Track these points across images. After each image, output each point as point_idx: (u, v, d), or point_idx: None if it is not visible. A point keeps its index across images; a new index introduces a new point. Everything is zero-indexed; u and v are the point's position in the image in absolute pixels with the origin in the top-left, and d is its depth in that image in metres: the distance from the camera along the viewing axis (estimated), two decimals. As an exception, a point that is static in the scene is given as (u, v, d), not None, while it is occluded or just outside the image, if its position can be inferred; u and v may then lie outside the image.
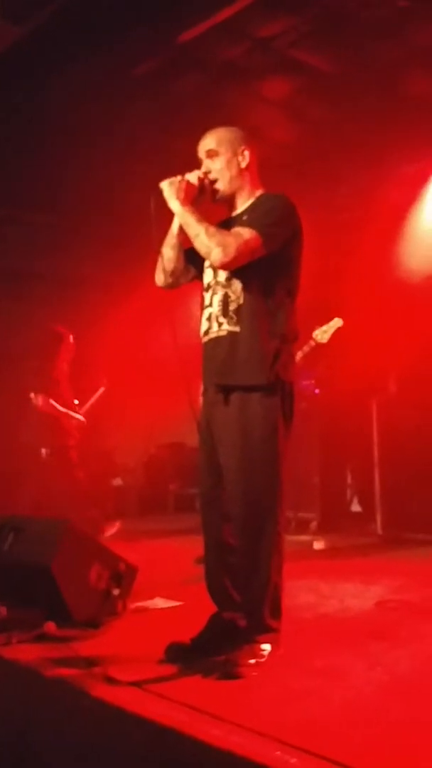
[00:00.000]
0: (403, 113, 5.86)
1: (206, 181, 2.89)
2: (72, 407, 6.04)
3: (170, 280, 3.00)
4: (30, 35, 4.84)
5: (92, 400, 6.36)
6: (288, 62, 5.54)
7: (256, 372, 2.75)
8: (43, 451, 5.83)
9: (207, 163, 2.91)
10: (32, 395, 5.78)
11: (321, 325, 5.25)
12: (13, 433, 6.10)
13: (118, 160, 6.49)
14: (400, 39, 5.16)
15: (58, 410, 5.86)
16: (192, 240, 2.80)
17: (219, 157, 2.89)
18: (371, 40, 5.18)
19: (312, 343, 5.22)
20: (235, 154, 2.90)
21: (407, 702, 2.34)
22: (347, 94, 5.79)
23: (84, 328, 8.04)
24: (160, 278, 3.02)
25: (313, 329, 5.24)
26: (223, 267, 2.79)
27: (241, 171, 2.91)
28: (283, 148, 6.23)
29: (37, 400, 5.77)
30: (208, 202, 2.93)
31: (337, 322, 5.20)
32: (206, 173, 2.90)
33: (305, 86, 5.83)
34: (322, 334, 5.21)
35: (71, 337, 6.11)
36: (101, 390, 6.42)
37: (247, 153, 2.91)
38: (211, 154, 2.90)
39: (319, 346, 5.22)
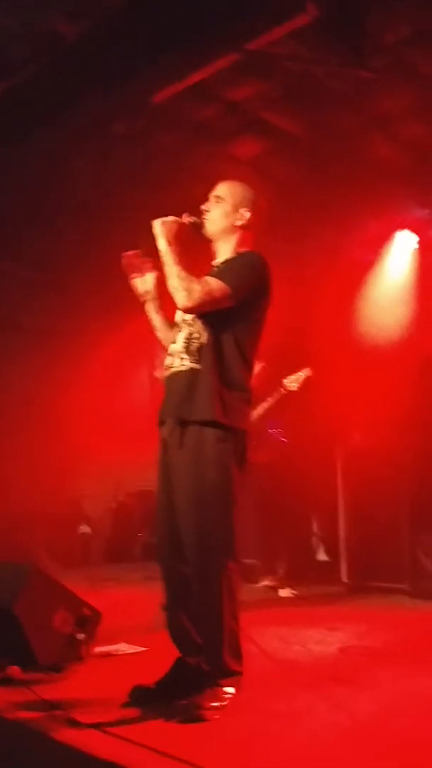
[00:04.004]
0: (365, 175, 6.09)
1: (197, 221, 3.01)
2: None
3: None
4: (12, 90, 5.02)
5: None
6: (258, 124, 5.77)
7: (213, 408, 2.81)
8: None
9: (209, 205, 3.06)
10: None
11: (289, 373, 5.33)
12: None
13: (95, 213, 6.65)
14: (362, 107, 5.43)
15: None
16: (166, 278, 2.92)
17: (220, 204, 3.04)
18: (335, 106, 5.41)
19: (282, 390, 5.28)
20: (235, 209, 3.03)
21: (368, 745, 2.38)
22: (313, 155, 6.03)
23: (55, 376, 8.11)
24: None
25: (281, 377, 5.33)
26: (185, 311, 2.91)
27: (233, 227, 3.03)
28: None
29: None
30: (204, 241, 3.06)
31: (306, 372, 5.28)
32: (202, 212, 3.02)
33: (274, 147, 6.05)
34: (292, 382, 5.28)
35: None
36: None
37: (247, 215, 3.03)
38: (217, 199, 3.05)
39: (289, 394, 5.29)
